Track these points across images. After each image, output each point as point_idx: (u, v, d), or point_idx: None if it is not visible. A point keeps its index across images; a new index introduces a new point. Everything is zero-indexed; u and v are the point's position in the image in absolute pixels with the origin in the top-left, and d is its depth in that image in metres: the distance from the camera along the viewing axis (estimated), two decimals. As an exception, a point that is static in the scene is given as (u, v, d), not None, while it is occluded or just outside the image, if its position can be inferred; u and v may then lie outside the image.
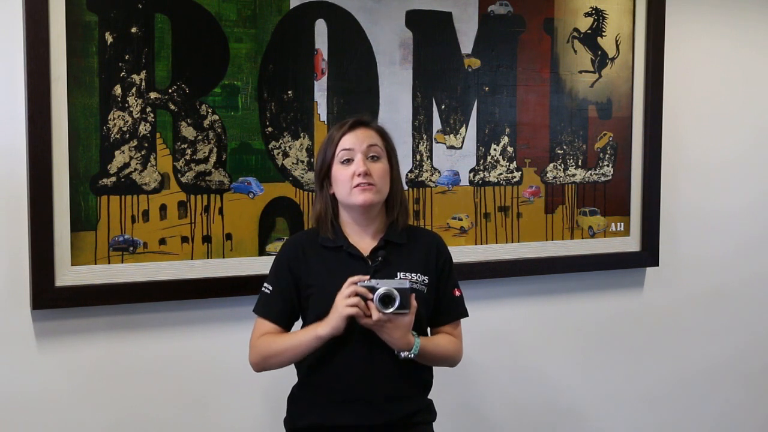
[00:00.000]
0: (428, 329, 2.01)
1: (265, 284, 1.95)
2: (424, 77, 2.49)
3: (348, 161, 1.88)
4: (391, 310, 1.77)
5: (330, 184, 1.92)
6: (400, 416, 1.89)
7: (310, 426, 1.90)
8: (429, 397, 2.01)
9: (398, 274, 1.89)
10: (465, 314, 2.02)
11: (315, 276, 1.90)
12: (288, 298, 1.91)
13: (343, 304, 1.77)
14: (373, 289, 1.77)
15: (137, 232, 2.17)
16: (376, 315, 1.77)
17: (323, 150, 1.93)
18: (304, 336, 1.84)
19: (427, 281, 1.92)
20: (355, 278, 1.79)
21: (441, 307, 1.98)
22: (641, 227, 2.85)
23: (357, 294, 1.77)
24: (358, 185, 1.86)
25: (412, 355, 1.84)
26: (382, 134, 1.95)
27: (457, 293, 2.00)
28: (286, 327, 1.94)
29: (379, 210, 1.94)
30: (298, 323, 1.95)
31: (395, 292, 1.77)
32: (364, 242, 1.93)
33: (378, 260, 1.90)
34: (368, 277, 1.81)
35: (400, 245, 1.94)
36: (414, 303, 1.81)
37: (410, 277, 1.90)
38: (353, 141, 1.89)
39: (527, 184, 2.66)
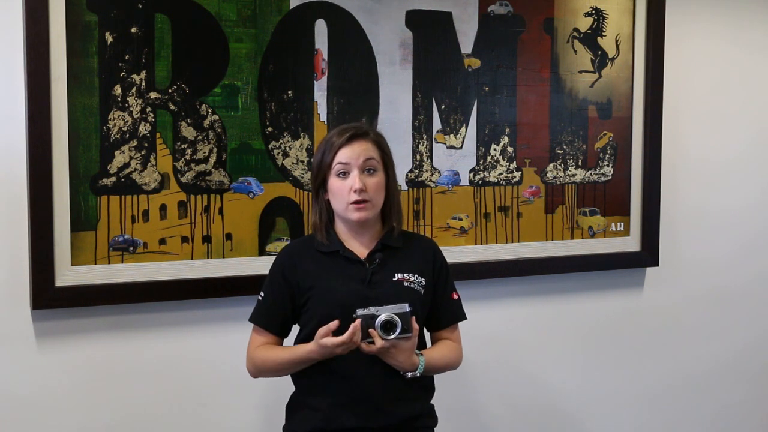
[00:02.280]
0: (426, 333, 2.02)
1: (261, 293, 1.95)
2: (424, 77, 2.49)
3: (344, 174, 1.88)
4: (393, 336, 1.77)
5: (326, 191, 1.93)
6: (401, 419, 1.89)
7: (312, 430, 1.89)
8: (431, 402, 2.01)
9: (395, 275, 1.90)
10: (463, 317, 2.03)
11: (312, 279, 1.89)
12: (282, 307, 1.92)
13: (326, 342, 1.78)
14: (373, 317, 1.78)
15: (137, 232, 2.17)
16: (379, 342, 1.77)
17: (320, 155, 1.92)
18: (297, 355, 1.86)
19: (423, 282, 1.93)
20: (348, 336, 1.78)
21: (439, 311, 1.98)
22: (641, 227, 2.85)
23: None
24: (354, 202, 1.86)
25: (418, 374, 1.85)
26: (379, 144, 1.93)
27: (455, 296, 2.01)
28: (281, 335, 1.95)
29: (375, 216, 1.93)
30: (296, 328, 1.96)
31: (396, 318, 1.77)
32: (360, 246, 1.93)
33: (375, 262, 1.90)
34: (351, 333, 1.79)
35: (397, 249, 1.94)
36: (416, 326, 1.81)
37: (407, 278, 1.90)
38: (350, 155, 1.88)
39: (527, 184, 2.66)
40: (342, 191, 1.88)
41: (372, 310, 1.78)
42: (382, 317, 1.77)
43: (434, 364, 1.91)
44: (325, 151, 1.91)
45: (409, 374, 1.85)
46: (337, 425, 1.87)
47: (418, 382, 1.92)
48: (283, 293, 1.91)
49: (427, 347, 1.98)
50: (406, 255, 1.95)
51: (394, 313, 1.77)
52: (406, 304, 1.81)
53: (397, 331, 1.77)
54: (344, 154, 1.88)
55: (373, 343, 1.78)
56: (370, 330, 1.77)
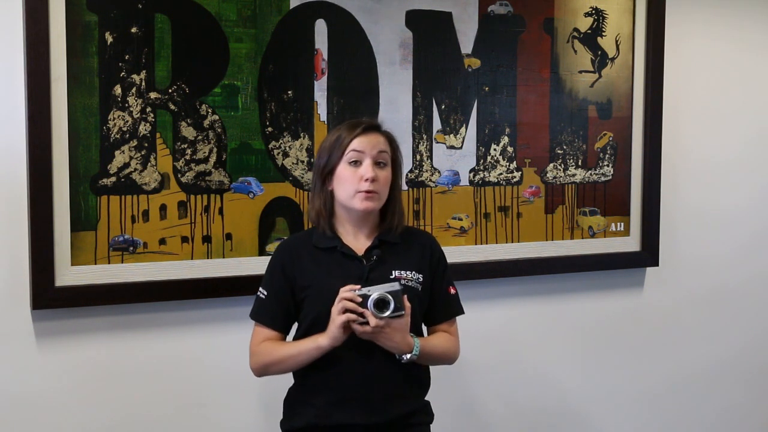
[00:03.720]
0: (424, 328, 2.02)
1: (260, 289, 1.95)
2: (424, 77, 2.49)
3: (356, 163, 1.89)
4: (386, 313, 1.77)
5: (331, 180, 1.93)
6: (396, 416, 1.90)
7: (306, 426, 1.90)
8: (427, 398, 2.01)
9: (393, 272, 1.90)
10: (461, 311, 2.03)
11: (310, 277, 1.90)
12: (283, 302, 1.92)
13: (336, 313, 1.78)
14: (365, 297, 1.77)
15: (137, 232, 2.17)
16: (373, 321, 1.77)
17: (329, 149, 1.92)
18: (304, 346, 1.85)
19: (421, 279, 1.93)
20: (345, 288, 1.79)
21: (437, 305, 1.99)
22: (641, 227, 2.85)
23: (348, 300, 1.78)
24: (363, 191, 1.87)
25: (415, 357, 1.84)
26: (391, 141, 1.97)
27: (452, 291, 2.02)
28: (284, 331, 1.95)
29: (376, 210, 1.95)
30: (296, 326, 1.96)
31: (388, 296, 1.77)
32: (358, 242, 1.93)
33: (373, 259, 1.90)
34: (358, 285, 1.80)
35: (395, 245, 1.95)
36: (408, 303, 1.81)
37: (405, 275, 1.91)
38: (365, 144, 1.89)
39: (527, 184, 2.66)
40: (352, 179, 1.88)
41: (363, 290, 1.78)
42: (374, 295, 1.77)
43: (430, 349, 1.90)
44: (336, 145, 1.92)
45: (405, 357, 1.84)
46: (330, 421, 1.87)
47: (413, 379, 1.92)
48: (284, 289, 1.91)
49: None
50: (405, 251, 1.95)
51: (386, 292, 1.78)
52: (397, 283, 1.81)
53: (391, 308, 1.77)
54: (359, 143, 1.89)
55: (367, 323, 1.78)
56: (364, 310, 1.77)
